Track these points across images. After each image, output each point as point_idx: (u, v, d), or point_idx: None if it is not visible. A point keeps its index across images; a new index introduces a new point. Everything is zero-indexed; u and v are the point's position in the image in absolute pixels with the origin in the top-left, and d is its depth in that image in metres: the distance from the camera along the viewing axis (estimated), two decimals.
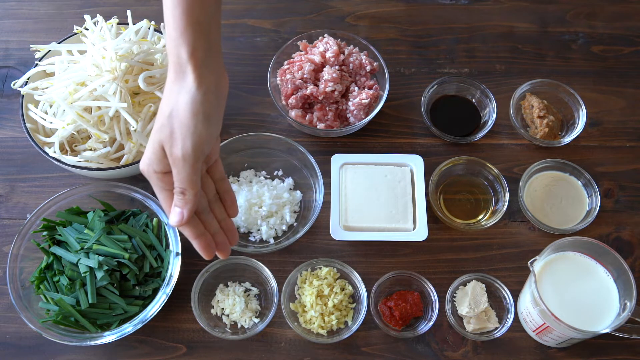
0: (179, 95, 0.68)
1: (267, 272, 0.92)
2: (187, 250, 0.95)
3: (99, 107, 0.91)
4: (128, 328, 0.85)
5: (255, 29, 1.18)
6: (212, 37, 0.70)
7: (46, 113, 0.95)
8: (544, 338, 0.88)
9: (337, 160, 1.00)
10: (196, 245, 0.73)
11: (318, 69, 1.03)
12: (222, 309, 0.92)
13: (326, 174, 0.99)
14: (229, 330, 0.91)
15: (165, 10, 0.70)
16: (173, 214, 0.70)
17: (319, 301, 0.90)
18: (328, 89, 0.99)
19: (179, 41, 0.68)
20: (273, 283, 0.91)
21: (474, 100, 1.09)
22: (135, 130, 0.91)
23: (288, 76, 1.02)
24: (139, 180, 1.02)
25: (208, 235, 0.74)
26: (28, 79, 0.96)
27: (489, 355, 0.90)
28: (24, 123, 0.94)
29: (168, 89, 0.69)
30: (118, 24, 0.98)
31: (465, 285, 0.93)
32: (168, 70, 0.70)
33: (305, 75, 1.01)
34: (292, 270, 0.92)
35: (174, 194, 0.70)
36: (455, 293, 0.93)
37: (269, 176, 1.02)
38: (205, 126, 0.68)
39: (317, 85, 1.02)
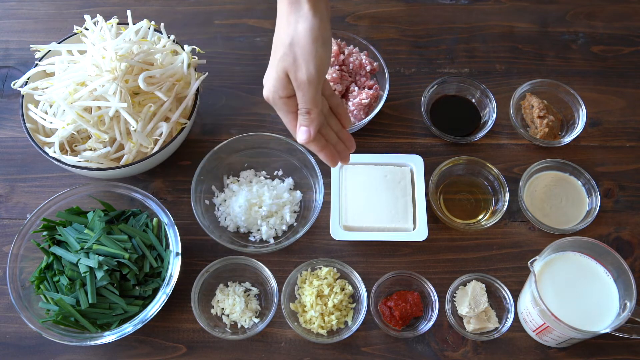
0: (297, 25, 0.75)
1: (267, 272, 0.92)
2: (187, 250, 0.96)
3: (99, 107, 0.91)
4: (128, 328, 0.85)
5: (255, 29, 1.18)
6: None
7: (46, 113, 0.95)
8: (544, 338, 0.88)
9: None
10: (322, 156, 0.83)
11: None
12: (222, 309, 0.92)
13: (326, 174, 0.99)
14: (229, 330, 0.91)
15: None
16: (300, 133, 0.78)
17: (319, 301, 0.90)
18: None
19: None
20: (273, 283, 0.91)
21: (474, 100, 1.09)
22: (135, 130, 0.91)
23: None
24: (139, 180, 1.02)
25: (330, 146, 0.83)
26: (28, 79, 0.96)
27: (489, 355, 0.90)
28: (24, 123, 0.94)
29: (284, 20, 0.76)
30: (118, 24, 0.98)
31: (465, 285, 0.93)
32: (279, 3, 0.78)
33: None
34: (292, 270, 0.92)
35: (299, 115, 0.77)
36: (455, 293, 0.93)
37: (269, 176, 1.02)
38: (324, 49, 0.75)
39: None
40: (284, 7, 0.77)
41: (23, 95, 0.96)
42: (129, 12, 0.99)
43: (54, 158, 0.92)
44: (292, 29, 0.75)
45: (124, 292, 0.88)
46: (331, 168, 0.99)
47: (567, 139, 1.04)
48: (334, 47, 1.03)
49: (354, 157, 1.00)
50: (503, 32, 1.18)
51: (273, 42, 0.78)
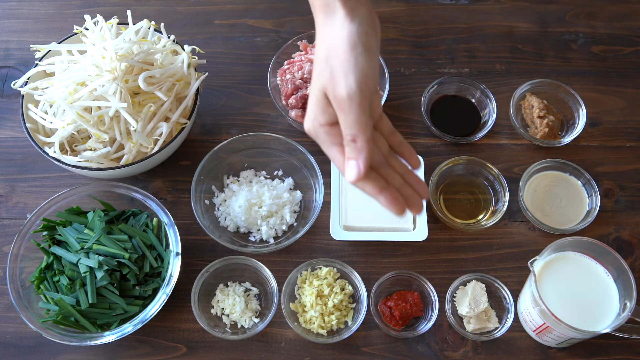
0: (332, 34, 0.64)
1: (267, 272, 0.92)
2: (187, 250, 0.96)
3: (99, 107, 0.91)
4: (128, 328, 0.85)
5: (255, 29, 1.18)
6: None
7: (46, 113, 0.95)
8: (544, 338, 0.88)
9: None
10: (383, 201, 0.64)
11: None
12: (222, 309, 0.92)
13: (326, 174, 0.99)
14: (229, 330, 0.91)
15: None
16: (349, 168, 0.62)
17: (319, 301, 0.90)
18: None
19: None
20: (273, 283, 0.91)
21: (474, 100, 1.09)
22: (135, 130, 0.91)
23: (288, 76, 1.02)
24: (139, 180, 1.02)
25: (392, 188, 0.66)
26: (28, 79, 0.96)
27: (489, 355, 0.90)
28: (24, 123, 0.94)
29: (320, 34, 0.66)
30: (118, 24, 0.98)
31: (465, 285, 0.93)
32: (316, 18, 0.67)
33: (305, 75, 1.01)
34: (292, 270, 0.92)
35: (345, 145, 0.63)
36: (455, 293, 0.93)
37: (269, 176, 1.02)
38: (366, 58, 0.62)
39: None
40: (319, 19, 0.66)
41: (23, 95, 0.96)
42: (129, 12, 0.99)
43: (54, 158, 0.92)
44: (327, 40, 0.64)
45: (124, 292, 0.88)
46: (331, 168, 0.99)
47: (567, 139, 1.04)
48: None
49: None
50: (503, 32, 1.18)
51: (313, 63, 0.68)
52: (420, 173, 0.99)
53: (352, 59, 0.62)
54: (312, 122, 0.65)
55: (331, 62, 0.63)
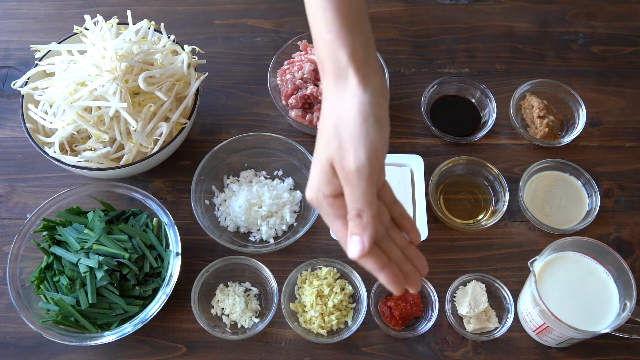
0: (343, 102, 0.61)
1: (267, 272, 0.92)
2: (187, 250, 0.96)
3: (99, 107, 0.91)
4: (128, 328, 0.85)
5: (255, 29, 1.18)
6: (367, 32, 0.64)
7: (46, 113, 0.95)
8: (544, 338, 0.88)
9: None
10: (383, 278, 0.61)
11: (318, 69, 1.03)
12: (222, 309, 0.92)
13: None
14: (229, 330, 0.91)
15: (312, 17, 0.65)
16: (352, 244, 0.59)
17: (319, 301, 0.90)
18: None
19: (336, 44, 0.62)
20: (273, 283, 0.91)
21: (474, 100, 1.09)
22: (135, 130, 0.91)
23: (288, 76, 1.02)
24: (139, 180, 1.02)
25: (393, 265, 0.62)
26: (28, 79, 0.96)
27: (489, 355, 0.90)
28: (24, 123, 0.94)
29: (328, 100, 0.63)
30: (118, 24, 0.98)
31: (465, 285, 0.93)
32: (324, 80, 0.64)
33: (305, 75, 1.01)
34: (292, 270, 0.92)
35: (349, 219, 0.60)
36: (455, 293, 0.93)
37: (269, 176, 1.02)
38: (377, 131, 0.60)
39: (317, 85, 1.02)
40: (329, 84, 0.63)
41: (23, 95, 0.96)
42: (129, 12, 0.99)
43: (54, 158, 0.92)
44: (338, 108, 0.61)
45: (124, 292, 0.88)
46: None
47: (567, 139, 1.04)
48: None
49: None
50: (503, 32, 1.18)
51: (318, 130, 0.64)
52: (420, 173, 0.99)
53: (363, 130, 0.59)
54: (316, 192, 0.62)
55: (340, 131, 0.60)
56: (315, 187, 0.61)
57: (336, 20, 0.62)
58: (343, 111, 0.60)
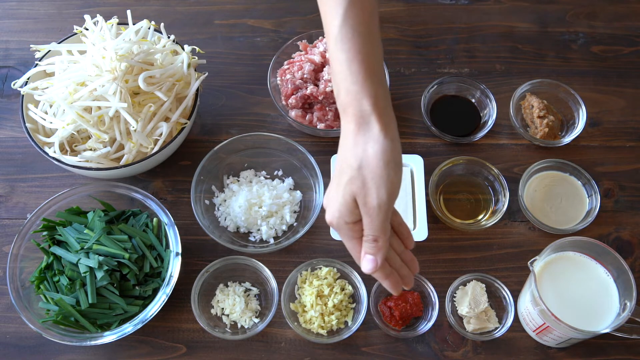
0: (366, 146, 0.69)
1: (267, 272, 0.92)
2: (187, 250, 0.96)
3: (99, 107, 0.91)
4: (128, 328, 0.85)
5: (255, 29, 1.18)
6: (385, 84, 0.72)
7: (46, 113, 0.95)
8: (544, 338, 0.88)
9: None
10: (386, 284, 0.74)
11: (318, 69, 1.03)
12: (222, 309, 0.92)
13: (326, 174, 0.99)
14: (229, 330, 0.91)
15: (338, 67, 0.71)
16: (366, 262, 0.71)
17: (319, 301, 0.90)
18: (328, 89, 0.99)
19: (361, 94, 0.69)
20: (273, 283, 0.91)
21: (474, 100, 1.09)
22: (135, 130, 0.91)
23: (288, 76, 1.02)
24: (139, 180, 1.02)
25: (395, 273, 0.75)
26: (28, 79, 0.96)
27: (489, 355, 0.90)
28: (24, 123, 0.94)
29: (350, 140, 0.70)
30: (118, 24, 0.98)
31: (465, 285, 0.93)
32: (346, 123, 0.71)
33: (305, 75, 1.01)
34: (292, 270, 0.92)
35: (364, 241, 0.70)
36: (455, 293, 0.93)
37: (269, 176, 1.02)
38: (396, 173, 0.69)
39: (317, 85, 1.02)
40: (350, 126, 0.70)
41: (23, 95, 0.96)
42: (129, 12, 0.99)
43: (54, 158, 0.92)
44: (361, 150, 0.69)
45: (124, 292, 0.88)
46: (331, 168, 0.99)
47: (567, 139, 1.04)
48: None
49: None
50: (503, 32, 1.18)
51: (337, 163, 0.72)
52: (420, 173, 0.99)
53: (385, 174, 0.68)
54: (338, 219, 0.70)
55: (364, 172, 0.68)
56: (337, 215, 0.70)
57: (362, 73, 0.69)
58: (367, 154, 0.68)
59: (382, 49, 0.73)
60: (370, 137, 0.69)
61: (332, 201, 0.71)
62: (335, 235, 0.94)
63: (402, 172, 0.71)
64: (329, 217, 0.71)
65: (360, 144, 0.69)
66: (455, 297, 0.93)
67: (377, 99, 0.69)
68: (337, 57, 0.71)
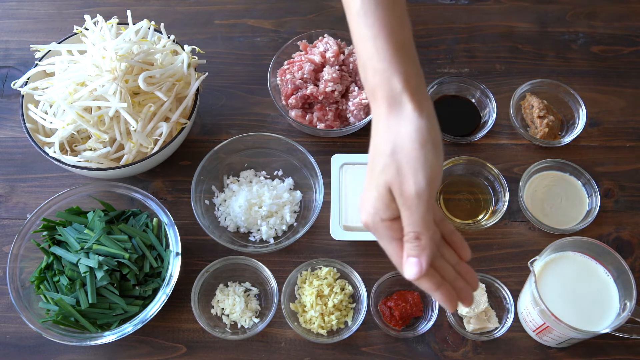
0: (399, 128, 0.61)
1: (267, 272, 0.92)
2: (187, 250, 0.96)
3: (99, 107, 0.91)
4: (128, 328, 0.85)
5: (255, 29, 1.18)
6: (417, 60, 0.64)
7: (46, 113, 0.95)
8: (544, 338, 0.88)
9: (337, 160, 1.00)
10: (438, 297, 0.63)
11: (318, 69, 1.03)
12: (222, 309, 0.92)
13: (326, 174, 0.99)
14: (229, 330, 0.91)
15: (361, 44, 0.64)
16: (409, 266, 0.61)
17: (319, 301, 0.90)
18: (328, 89, 0.99)
19: (389, 72, 0.62)
20: (273, 283, 0.91)
21: (474, 100, 1.09)
22: (135, 130, 0.91)
23: (288, 76, 1.02)
24: (139, 180, 1.02)
25: (447, 284, 0.64)
26: (28, 79, 0.96)
27: (489, 355, 0.90)
28: (24, 123, 0.94)
29: (382, 125, 0.63)
30: (118, 24, 0.98)
31: None
32: (376, 108, 0.64)
33: (305, 75, 1.01)
34: (292, 270, 0.92)
35: (406, 242, 0.61)
36: None
37: (269, 176, 1.02)
38: (435, 155, 0.60)
39: (317, 85, 1.02)
40: (381, 110, 0.63)
41: (23, 95, 0.96)
42: (129, 12, 0.99)
43: (54, 158, 0.92)
44: (394, 133, 0.61)
45: (124, 292, 0.88)
46: (331, 168, 0.99)
47: (567, 139, 1.04)
48: (334, 47, 1.03)
49: (354, 157, 1.00)
50: (503, 32, 1.18)
51: (369, 154, 0.64)
52: None
53: (422, 155, 0.59)
54: (373, 216, 0.62)
55: (398, 157, 0.60)
56: (372, 212, 0.62)
57: (388, 48, 0.62)
58: (400, 137, 0.60)
59: (410, 22, 0.66)
60: (403, 118, 0.61)
61: (367, 198, 0.63)
62: (335, 235, 0.94)
63: (442, 154, 0.62)
64: (363, 217, 0.63)
65: (392, 127, 0.61)
66: None
67: (408, 75, 0.62)
68: (360, 33, 0.64)
